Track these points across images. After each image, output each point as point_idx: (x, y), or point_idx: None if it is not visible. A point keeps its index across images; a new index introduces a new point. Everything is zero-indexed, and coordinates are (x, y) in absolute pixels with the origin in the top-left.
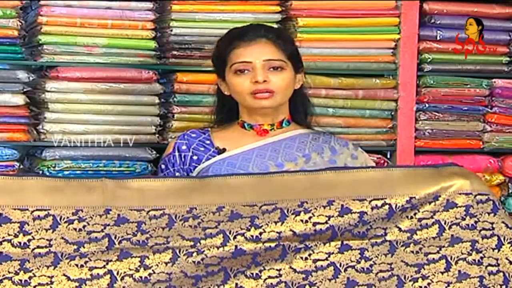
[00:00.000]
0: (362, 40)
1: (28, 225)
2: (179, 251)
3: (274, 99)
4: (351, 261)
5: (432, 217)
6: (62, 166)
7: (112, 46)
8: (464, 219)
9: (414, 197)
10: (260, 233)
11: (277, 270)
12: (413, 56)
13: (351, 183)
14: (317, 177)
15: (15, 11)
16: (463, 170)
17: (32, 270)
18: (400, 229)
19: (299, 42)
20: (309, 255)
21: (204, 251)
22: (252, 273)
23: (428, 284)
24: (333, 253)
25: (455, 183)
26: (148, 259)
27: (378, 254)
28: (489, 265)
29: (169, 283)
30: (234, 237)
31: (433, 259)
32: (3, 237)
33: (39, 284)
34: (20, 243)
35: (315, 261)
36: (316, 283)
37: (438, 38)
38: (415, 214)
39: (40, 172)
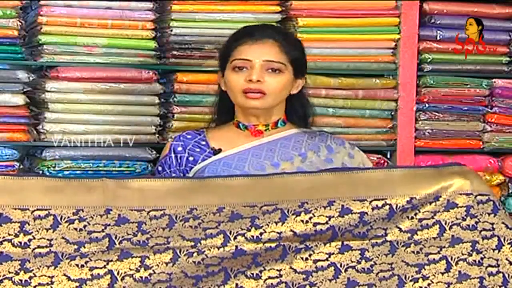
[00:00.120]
0: (362, 40)
1: (29, 224)
2: (180, 251)
3: (264, 100)
4: (352, 262)
5: (432, 218)
6: (62, 166)
7: (112, 46)
8: (465, 220)
9: (415, 198)
10: (261, 234)
11: (277, 270)
12: (413, 56)
13: (351, 183)
14: (318, 178)
15: (15, 11)
16: (463, 170)
17: (33, 270)
18: (400, 230)
19: None
20: (310, 255)
21: (204, 251)
22: (253, 273)
23: (429, 284)
24: (333, 253)
25: (456, 183)
26: (149, 259)
27: (379, 255)
28: (489, 266)
29: (169, 283)
30: (235, 238)
31: (434, 259)
32: (4, 237)
33: (40, 284)
34: (20, 243)
35: (315, 261)
36: (316, 284)
37: (438, 38)
38: (415, 214)
39: (40, 172)
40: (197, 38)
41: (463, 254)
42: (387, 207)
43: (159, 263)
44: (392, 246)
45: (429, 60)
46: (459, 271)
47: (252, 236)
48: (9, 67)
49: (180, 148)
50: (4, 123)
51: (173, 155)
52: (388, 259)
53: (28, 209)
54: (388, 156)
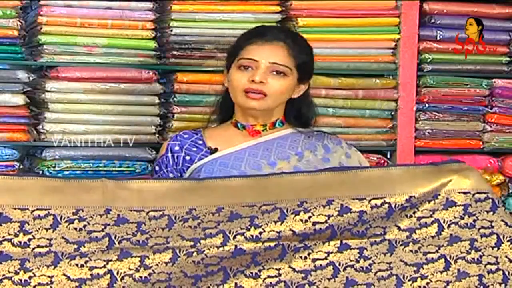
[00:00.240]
0: (362, 40)
1: (28, 224)
2: (179, 251)
3: (264, 102)
4: (350, 260)
5: (431, 216)
6: (62, 166)
7: (112, 46)
8: (463, 218)
9: (414, 196)
10: (260, 233)
11: (276, 269)
12: (413, 56)
13: (350, 182)
14: (317, 177)
15: (15, 11)
16: (462, 167)
17: (32, 269)
18: (399, 228)
19: None
20: (309, 254)
21: (204, 251)
22: (252, 273)
23: (427, 283)
24: (332, 252)
25: (454, 181)
26: (148, 259)
27: (377, 253)
28: (489, 263)
29: (169, 283)
30: (234, 237)
31: (432, 258)
32: (3, 237)
33: (39, 283)
34: (20, 242)
35: (314, 260)
36: (315, 283)
37: (438, 38)
38: (414, 213)
39: (40, 172)
40: (197, 38)
41: (461, 253)
42: (386, 205)
43: (159, 263)
44: (390, 245)
45: (429, 60)
46: (458, 270)
47: (252, 236)
48: (9, 67)
49: (177, 148)
50: (4, 123)
51: (170, 154)
52: (387, 258)
53: (28, 209)
54: (388, 156)
